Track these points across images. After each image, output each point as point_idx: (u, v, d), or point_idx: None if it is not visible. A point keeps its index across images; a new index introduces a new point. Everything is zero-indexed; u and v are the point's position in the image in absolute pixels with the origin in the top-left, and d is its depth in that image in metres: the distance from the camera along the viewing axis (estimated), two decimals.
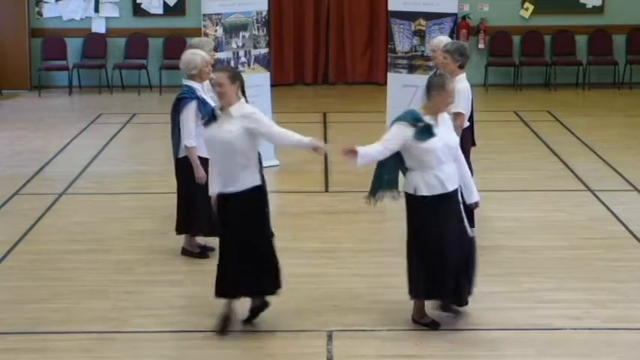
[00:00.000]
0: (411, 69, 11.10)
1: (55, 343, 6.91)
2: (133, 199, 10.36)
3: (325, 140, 12.48)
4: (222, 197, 6.91)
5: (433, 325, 7.05)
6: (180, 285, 7.99)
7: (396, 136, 6.78)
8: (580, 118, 14.28)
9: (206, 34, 10.92)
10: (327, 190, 10.72)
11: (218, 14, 11.13)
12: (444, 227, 6.80)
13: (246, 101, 6.93)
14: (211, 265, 7.33)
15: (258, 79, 11.28)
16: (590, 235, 9.12)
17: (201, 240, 8.57)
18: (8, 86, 16.41)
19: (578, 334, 6.99)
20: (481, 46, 16.48)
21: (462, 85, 8.17)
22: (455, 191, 6.90)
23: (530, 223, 9.49)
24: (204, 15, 11.17)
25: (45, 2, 16.59)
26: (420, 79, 10.16)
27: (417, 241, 6.90)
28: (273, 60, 15.49)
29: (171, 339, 7.04)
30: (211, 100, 7.92)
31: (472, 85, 8.61)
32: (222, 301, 7.02)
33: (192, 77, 8.19)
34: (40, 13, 16.63)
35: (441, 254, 6.81)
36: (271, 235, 7.03)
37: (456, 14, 11.05)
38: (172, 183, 8.64)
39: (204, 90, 8.17)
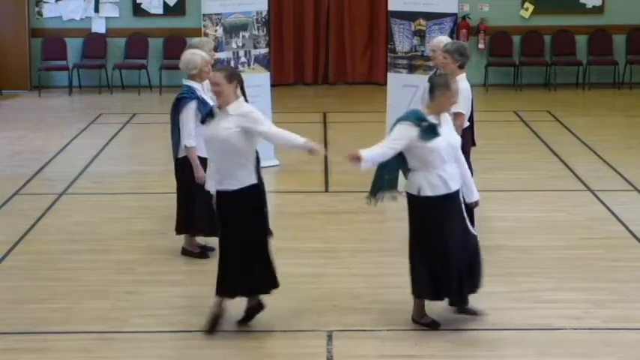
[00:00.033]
0: (411, 69, 11.10)
1: (55, 343, 6.91)
2: (133, 199, 10.36)
3: (325, 140, 12.49)
4: (220, 195, 6.92)
5: (433, 325, 7.05)
6: (180, 285, 7.99)
7: (401, 136, 6.77)
8: (580, 118, 14.28)
9: (206, 34, 10.93)
10: (327, 190, 10.72)
11: (218, 14, 11.13)
12: (447, 227, 6.80)
13: (247, 101, 6.94)
14: (211, 265, 7.33)
15: (258, 79, 11.28)
16: (590, 235, 9.12)
17: (201, 240, 8.57)
18: (8, 86, 16.42)
19: (578, 334, 6.99)
20: (481, 46, 16.49)
21: (462, 85, 8.14)
22: (457, 191, 6.90)
23: (530, 223, 9.49)
24: (204, 15, 11.17)
25: (45, 2, 16.59)
26: (420, 79, 10.18)
27: (420, 242, 6.89)
28: (273, 60, 15.49)
29: (171, 339, 7.03)
30: (211, 100, 7.91)
31: (472, 85, 8.61)
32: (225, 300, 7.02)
33: (192, 77, 8.19)
34: (40, 13, 16.63)
35: (444, 254, 6.80)
36: (270, 233, 7.03)
37: (456, 14, 11.05)
38: (172, 183, 8.64)
39: (204, 90, 8.17)
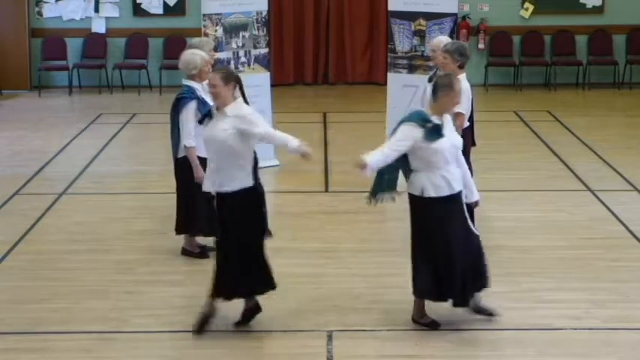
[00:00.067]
0: (411, 69, 11.11)
1: (55, 343, 6.91)
2: (133, 199, 10.36)
3: (325, 140, 12.49)
4: (219, 196, 6.92)
5: (433, 325, 7.05)
6: (180, 285, 7.99)
7: (406, 137, 6.76)
8: (580, 118, 14.27)
9: (206, 34, 10.92)
10: (327, 190, 10.71)
11: (218, 14, 11.13)
12: (449, 228, 6.80)
13: (246, 102, 6.93)
14: (211, 265, 7.33)
15: (258, 79, 11.28)
16: (590, 235, 9.12)
17: (201, 240, 8.57)
18: (8, 86, 16.41)
19: (578, 334, 6.99)
20: (481, 46, 16.48)
21: (462, 85, 8.15)
22: (460, 192, 6.90)
23: (530, 223, 9.49)
24: (204, 15, 11.17)
25: (45, 2, 16.59)
26: (420, 79, 10.18)
27: (422, 242, 6.89)
28: (273, 60, 15.49)
29: (171, 339, 7.03)
30: (211, 100, 7.91)
31: (472, 85, 8.61)
32: (221, 301, 7.02)
33: (191, 77, 8.19)
34: (40, 13, 16.62)
35: (447, 255, 6.80)
36: (269, 234, 7.02)
37: (456, 14, 11.05)
38: (172, 183, 8.63)
39: (204, 90, 8.16)
